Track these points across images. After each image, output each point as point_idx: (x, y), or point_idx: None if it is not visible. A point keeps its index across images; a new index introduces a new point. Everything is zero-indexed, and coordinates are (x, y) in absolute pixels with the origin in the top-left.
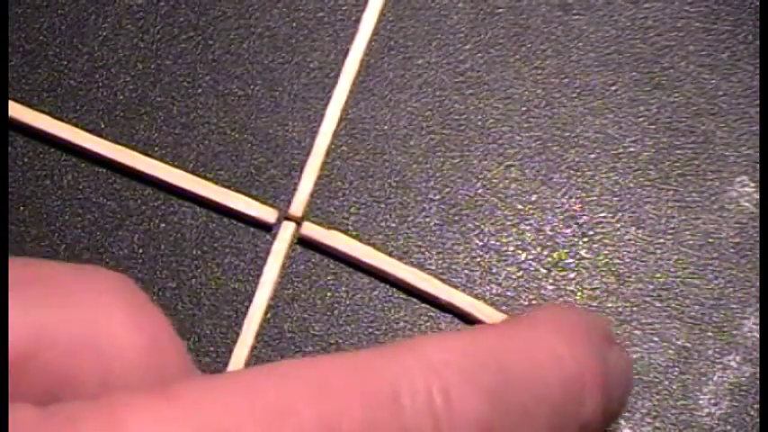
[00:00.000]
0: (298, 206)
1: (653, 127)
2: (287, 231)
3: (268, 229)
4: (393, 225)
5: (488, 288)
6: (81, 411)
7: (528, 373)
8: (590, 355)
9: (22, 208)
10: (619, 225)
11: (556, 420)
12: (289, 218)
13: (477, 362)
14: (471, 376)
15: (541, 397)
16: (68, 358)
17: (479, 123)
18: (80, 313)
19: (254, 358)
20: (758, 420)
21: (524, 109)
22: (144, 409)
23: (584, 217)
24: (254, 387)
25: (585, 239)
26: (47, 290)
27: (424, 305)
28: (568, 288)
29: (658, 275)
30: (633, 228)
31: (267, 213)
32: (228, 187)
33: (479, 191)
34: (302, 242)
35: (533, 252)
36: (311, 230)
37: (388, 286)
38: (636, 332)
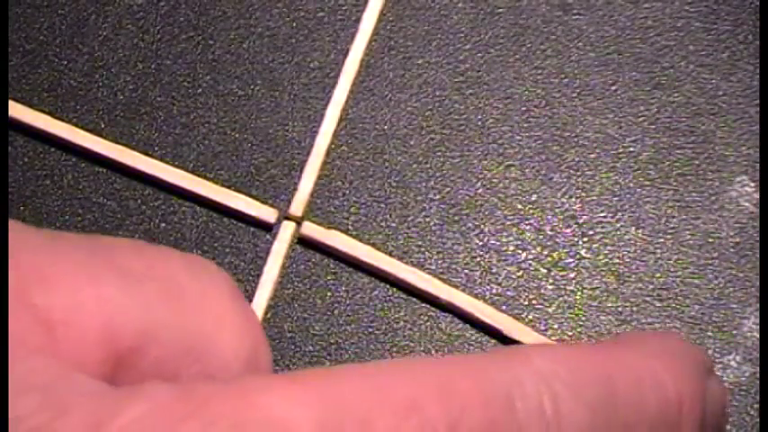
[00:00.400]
0: (298, 206)
1: (653, 127)
2: (287, 231)
3: (268, 228)
4: (393, 225)
5: (488, 288)
6: (216, 391)
7: (630, 394)
8: (690, 383)
9: (22, 208)
10: (619, 225)
11: None
12: (289, 218)
13: (583, 376)
14: (578, 389)
15: (641, 417)
16: (174, 359)
17: (479, 123)
18: (192, 315)
19: None
20: (758, 420)
21: (524, 109)
22: (279, 393)
23: (584, 217)
24: (382, 381)
25: (585, 239)
26: (162, 285)
27: (424, 305)
28: (568, 288)
29: (658, 275)
30: (633, 228)
31: (267, 213)
32: (228, 187)
33: (479, 191)
34: (302, 242)
35: (533, 252)
36: (311, 230)
37: (388, 286)
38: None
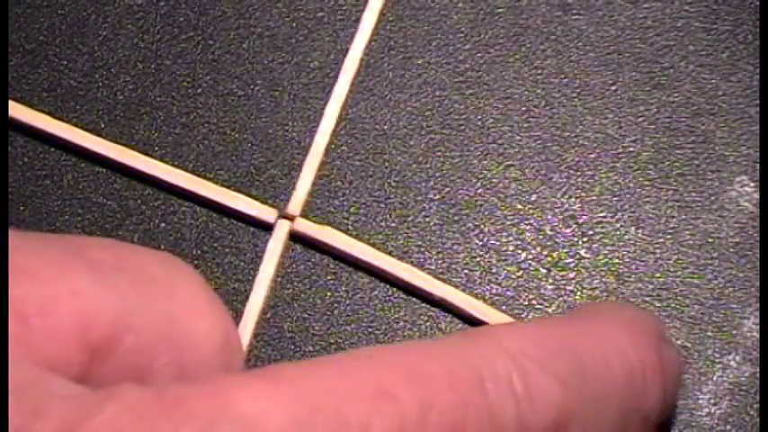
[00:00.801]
0: (295, 205)
1: (653, 127)
2: (282, 230)
3: (268, 228)
4: (393, 225)
5: (488, 288)
6: (188, 391)
7: (598, 365)
8: (650, 350)
9: (22, 208)
10: (618, 225)
11: (622, 411)
12: (286, 216)
13: (551, 352)
14: (547, 365)
15: (610, 388)
16: (148, 348)
17: (479, 123)
18: (164, 304)
19: (254, 358)
20: (758, 420)
21: (524, 109)
22: (250, 390)
23: (584, 217)
24: (352, 371)
25: (585, 239)
26: (133, 276)
27: (424, 305)
28: (568, 288)
29: (658, 275)
30: (633, 228)
31: (267, 213)
32: (228, 187)
33: (479, 191)
34: (295, 238)
35: (533, 252)
36: (304, 226)
37: (388, 286)
38: None
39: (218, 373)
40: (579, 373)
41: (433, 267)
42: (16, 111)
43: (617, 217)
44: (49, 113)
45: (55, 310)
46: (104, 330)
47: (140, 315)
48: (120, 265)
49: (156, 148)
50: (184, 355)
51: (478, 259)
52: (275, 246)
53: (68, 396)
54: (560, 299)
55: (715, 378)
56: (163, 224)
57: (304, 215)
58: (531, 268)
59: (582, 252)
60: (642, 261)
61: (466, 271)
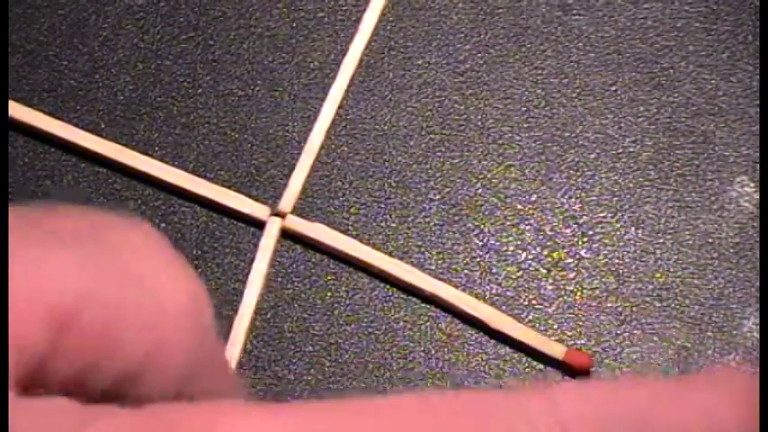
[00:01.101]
0: (287, 203)
1: (653, 127)
2: (274, 227)
3: (262, 226)
4: (393, 225)
5: (488, 288)
6: (181, 415)
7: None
8: (754, 418)
9: None
10: (619, 225)
11: None
12: (278, 214)
13: (614, 417)
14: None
15: None
16: (113, 319)
17: (479, 123)
18: (129, 267)
19: (254, 358)
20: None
21: (524, 109)
22: (249, 418)
23: (584, 217)
24: (366, 413)
25: (585, 239)
26: (97, 243)
27: (424, 305)
28: (568, 288)
29: (658, 275)
30: (633, 228)
31: (260, 211)
32: (228, 187)
33: (479, 191)
34: (287, 236)
35: (533, 252)
36: (294, 223)
37: (387, 286)
38: (636, 332)
39: (215, 400)
40: None
41: (433, 267)
42: (16, 111)
43: (617, 217)
44: (49, 113)
45: (17, 285)
46: (68, 302)
47: (103, 284)
48: (84, 233)
49: (156, 148)
50: (153, 315)
51: (479, 259)
52: (267, 243)
53: (56, 410)
54: (560, 299)
55: None
56: (163, 224)
57: (299, 214)
58: (531, 268)
59: (582, 252)
60: (642, 261)
61: (466, 271)
